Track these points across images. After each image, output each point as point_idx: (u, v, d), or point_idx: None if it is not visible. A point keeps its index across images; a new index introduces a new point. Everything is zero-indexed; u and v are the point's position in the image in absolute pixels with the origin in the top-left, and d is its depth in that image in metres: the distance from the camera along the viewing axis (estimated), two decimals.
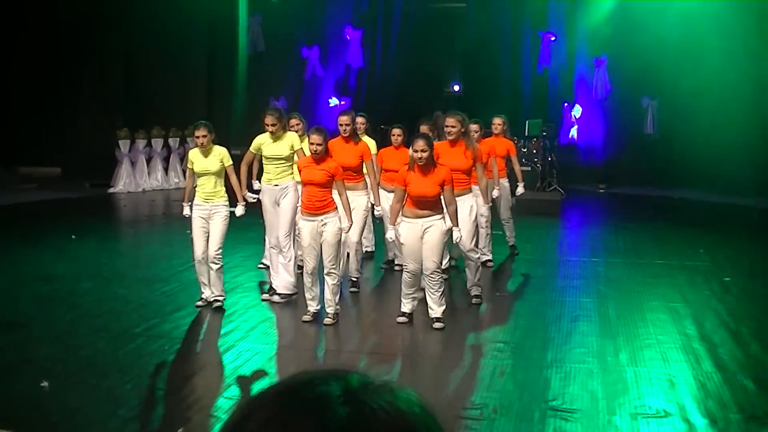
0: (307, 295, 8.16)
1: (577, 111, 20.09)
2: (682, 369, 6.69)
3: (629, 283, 9.80)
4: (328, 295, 8.07)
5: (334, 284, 8.04)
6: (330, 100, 21.40)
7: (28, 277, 10.02)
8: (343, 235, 8.28)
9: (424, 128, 9.11)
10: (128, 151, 18.88)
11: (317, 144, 7.86)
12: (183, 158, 19.82)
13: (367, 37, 21.37)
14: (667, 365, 6.80)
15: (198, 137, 8.47)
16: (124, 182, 18.83)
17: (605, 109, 20.06)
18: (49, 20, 20.31)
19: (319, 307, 8.16)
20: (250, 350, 7.34)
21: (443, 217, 7.86)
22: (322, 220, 7.96)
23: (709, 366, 6.73)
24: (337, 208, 8.09)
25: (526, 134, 18.52)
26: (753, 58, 17.11)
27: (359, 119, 9.82)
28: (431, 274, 7.79)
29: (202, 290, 8.63)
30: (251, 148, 9.13)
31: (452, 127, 8.62)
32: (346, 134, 9.15)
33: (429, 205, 7.75)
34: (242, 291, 9.40)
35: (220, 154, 8.53)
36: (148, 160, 19.30)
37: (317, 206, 7.95)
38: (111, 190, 18.65)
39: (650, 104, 19.62)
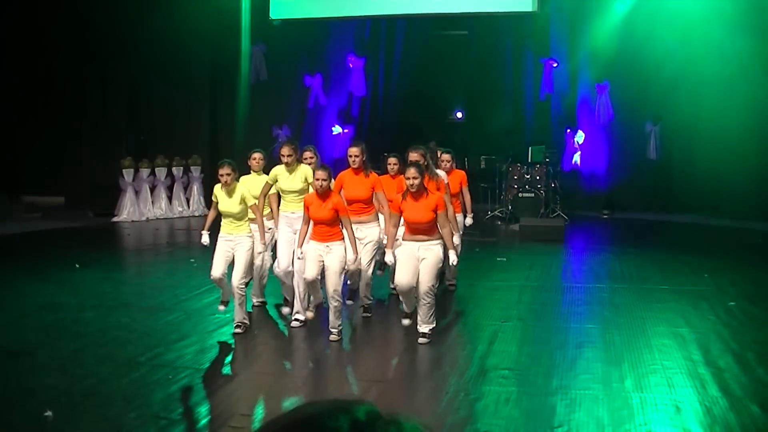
0: (297, 303, 8.55)
1: (579, 137, 20.12)
2: (687, 394, 6.66)
3: (634, 308, 9.78)
4: (331, 317, 8.41)
5: (336, 307, 8.38)
6: (333, 129, 21.46)
7: (32, 306, 10.02)
8: (352, 264, 8.52)
9: (414, 155, 9.17)
10: (132, 180, 18.93)
11: (322, 179, 8.25)
12: (187, 187, 19.88)
13: (370, 65, 21.46)
14: (673, 391, 6.77)
15: (222, 175, 8.68)
16: (127, 211, 18.85)
17: (608, 134, 20.08)
18: (53, 51, 20.44)
19: (310, 316, 8.52)
20: (255, 378, 7.33)
21: (440, 243, 8.28)
22: (328, 246, 8.33)
23: (714, 391, 6.71)
24: (343, 238, 8.43)
25: (529, 160, 18.56)
26: (754, 83, 17.16)
27: (307, 153, 9.64)
28: (424, 295, 8.24)
29: (222, 295, 8.99)
30: (268, 179, 9.28)
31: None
32: (356, 165, 9.25)
33: (424, 231, 8.21)
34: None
35: (242, 196, 8.71)
36: (152, 189, 19.33)
37: (325, 238, 8.36)
38: (115, 219, 18.67)
39: (653, 129, 19.64)
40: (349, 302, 9.71)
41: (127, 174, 18.85)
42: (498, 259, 13.42)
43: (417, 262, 8.20)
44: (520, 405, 6.50)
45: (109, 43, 19.79)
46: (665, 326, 8.90)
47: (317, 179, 8.26)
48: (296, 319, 8.94)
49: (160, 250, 15.65)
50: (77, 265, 12.58)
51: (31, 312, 9.73)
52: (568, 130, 20.23)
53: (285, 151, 9.24)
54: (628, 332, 8.68)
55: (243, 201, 8.68)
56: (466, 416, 6.31)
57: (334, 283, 8.27)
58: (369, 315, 9.48)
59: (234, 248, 8.67)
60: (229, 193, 8.71)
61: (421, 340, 8.32)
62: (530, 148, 18.76)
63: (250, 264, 8.88)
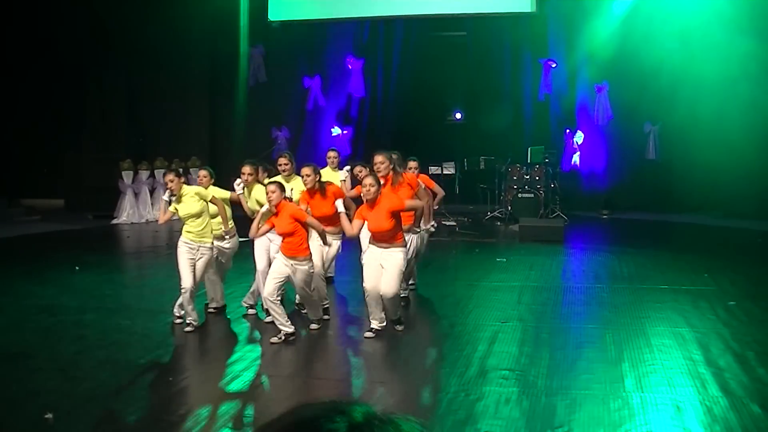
0: (268, 318, 8.52)
1: (578, 137, 20.14)
2: (688, 394, 6.66)
3: (634, 308, 9.78)
4: (309, 313, 8.71)
5: (311, 304, 8.60)
6: (332, 130, 21.47)
7: (32, 308, 10.02)
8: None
9: (379, 158, 9.17)
10: (131, 182, 18.94)
11: (271, 191, 8.27)
12: None
13: (369, 66, 21.49)
14: (673, 390, 6.77)
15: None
16: (127, 213, 18.87)
17: (607, 135, 20.11)
18: (52, 55, 20.45)
19: (292, 329, 8.43)
20: (254, 380, 7.33)
21: (402, 250, 8.43)
22: (293, 264, 8.37)
23: (715, 391, 6.70)
24: (310, 254, 8.46)
25: (529, 161, 18.57)
26: (753, 83, 17.17)
27: (281, 159, 9.71)
28: (389, 299, 8.36)
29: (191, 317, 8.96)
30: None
31: (381, 163, 9.10)
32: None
33: (386, 237, 8.34)
34: (246, 321, 9.43)
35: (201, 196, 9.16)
36: (151, 191, 19.34)
37: (295, 252, 8.38)
38: (114, 222, 18.68)
39: (652, 130, 19.67)
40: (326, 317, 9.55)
41: (127, 176, 18.87)
42: (498, 259, 13.42)
43: (380, 268, 8.36)
44: (520, 405, 6.49)
45: (109, 46, 19.80)
46: (665, 326, 8.90)
47: (268, 193, 8.23)
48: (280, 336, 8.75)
49: (160, 252, 15.64)
50: (77, 268, 12.59)
51: (31, 315, 9.73)
52: (567, 131, 20.26)
53: (282, 160, 9.51)
54: (628, 332, 8.68)
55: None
56: (466, 417, 6.30)
57: (302, 293, 8.47)
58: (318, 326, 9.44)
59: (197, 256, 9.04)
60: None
61: (367, 334, 8.51)
62: (529, 149, 18.77)
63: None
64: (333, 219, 9.02)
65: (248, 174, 9.09)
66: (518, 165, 18.57)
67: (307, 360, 8.12)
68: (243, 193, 9.24)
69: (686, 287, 10.97)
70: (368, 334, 8.59)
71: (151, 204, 19.27)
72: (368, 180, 8.36)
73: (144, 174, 19.17)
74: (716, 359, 7.61)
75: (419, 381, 7.53)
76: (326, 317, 9.34)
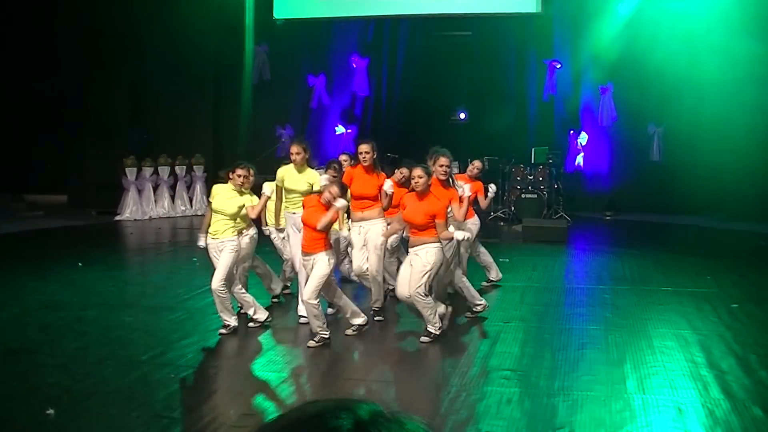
0: (316, 322, 8.22)
1: (582, 138, 20.13)
2: (689, 396, 6.65)
3: (636, 310, 9.77)
4: (312, 318, 8.22)
5: (313, 309, 8.16)
6: (336, 129, 21.48)
7: (35, 304, 10.03)
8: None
9: (445, 160, 9.04)
10: (135, 179, 18.94)
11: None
12: (189, 186, 19.89)
13: (373, 65, 21.49)
14: (675, 392, 6.76)
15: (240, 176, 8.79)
16: (130, 210, 18.87)
17: (611, 136, 20.10)
18: (56, 51, 20.46)
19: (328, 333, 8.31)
20: (257, 377, 7.33)
21: (425, 248, 8.15)
22: (314, 258, 8.11)
23: (717, 393, 6.70)
24: (329, 248, 8.18)
25: (532, 162, 18.57)
26: (757, 85, 17.14)
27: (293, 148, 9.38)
28: (414, 299, 8.18)
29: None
30: (276, 182, 9.35)
31: (447, 166, 9.00)
32: (367, 163, 9.23)
33: (418, 232, 8.22)
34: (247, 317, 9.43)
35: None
36: (155, 188, 19.35)
37: (311, 247, 8.13)
38: (117, 218, 18.68)
39: (656, 131, 19.65)
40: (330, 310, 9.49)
41: (130, 173, 18.87)
42: (501, 260, 13.38)
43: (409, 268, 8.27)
44: (522, 406, 6.49)
45: (113, 42, 19.80)
46: (667, 328, 8.89)
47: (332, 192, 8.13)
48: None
49: (163, 249, 15.66)
50: (80, 264, 12.59)
51: (34, 310, 9.74)
52: (572, 132, 20.24)
53: (294, 149, 9.21)
54: (630, 334, 8.67)
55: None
56: (467, 416, 6.30)
57: (312, 285, 8.06)
58: (382, 319, 9.44)
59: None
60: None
61: (422, 339, 8.33)
62: (533, 150, 18.78)
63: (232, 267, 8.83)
64: (374, 199, 9.23)
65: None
66: (522, 165, 18.58)
67: (311, 358, 8.12)
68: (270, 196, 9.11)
69: (689, 289, 10.96)
70: (423, 338, 8.36)
71: (155, 201, 19.28)
72: (417, 171, 8.24)
73: (147, 171, 19.17)
74: (718, 362, 7.60)
75: (422, 380, 7.52)
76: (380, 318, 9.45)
